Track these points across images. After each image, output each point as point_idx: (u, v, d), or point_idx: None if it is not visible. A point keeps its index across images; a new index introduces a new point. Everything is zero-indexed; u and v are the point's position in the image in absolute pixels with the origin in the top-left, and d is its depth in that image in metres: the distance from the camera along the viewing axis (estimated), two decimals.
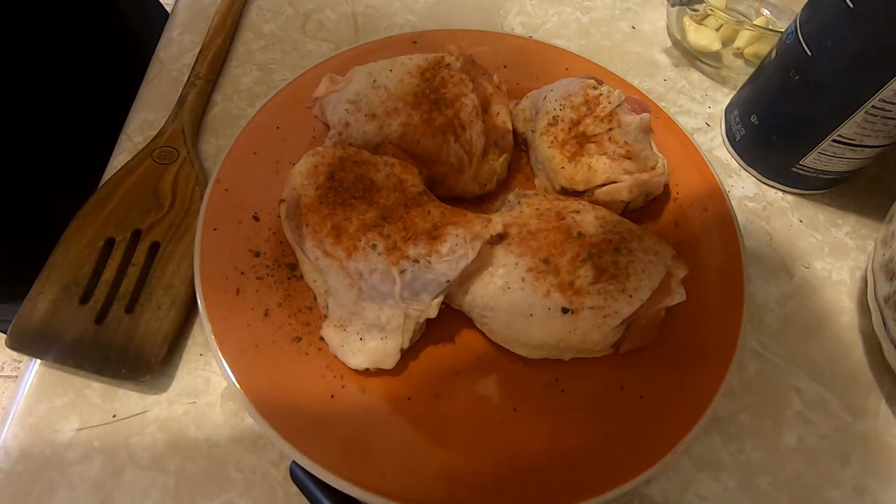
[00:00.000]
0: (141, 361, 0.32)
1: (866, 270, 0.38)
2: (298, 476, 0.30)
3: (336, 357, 0.32)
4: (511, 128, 0.40)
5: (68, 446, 0.31)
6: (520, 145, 0.43)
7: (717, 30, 0.50)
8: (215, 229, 0.35)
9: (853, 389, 0.37)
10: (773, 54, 0.41)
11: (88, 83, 0.54)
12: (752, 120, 0.43)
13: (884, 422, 0.36)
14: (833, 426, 0.35)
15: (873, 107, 0.35)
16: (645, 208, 0.40)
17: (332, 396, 0.32)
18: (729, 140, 0.46)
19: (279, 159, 0.39)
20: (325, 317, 0.33)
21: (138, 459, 0.31)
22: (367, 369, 0.32)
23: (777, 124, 0.41)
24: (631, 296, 0.32)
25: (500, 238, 0.34)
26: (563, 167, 0.37)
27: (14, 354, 1.19)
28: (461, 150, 0.38)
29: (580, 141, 0.37)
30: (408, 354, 0.33)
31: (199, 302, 0.33)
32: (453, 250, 0.32)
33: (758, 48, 0.48)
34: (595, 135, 0.37)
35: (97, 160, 0.42)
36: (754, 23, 0.50)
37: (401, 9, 0.52)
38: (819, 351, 0.38)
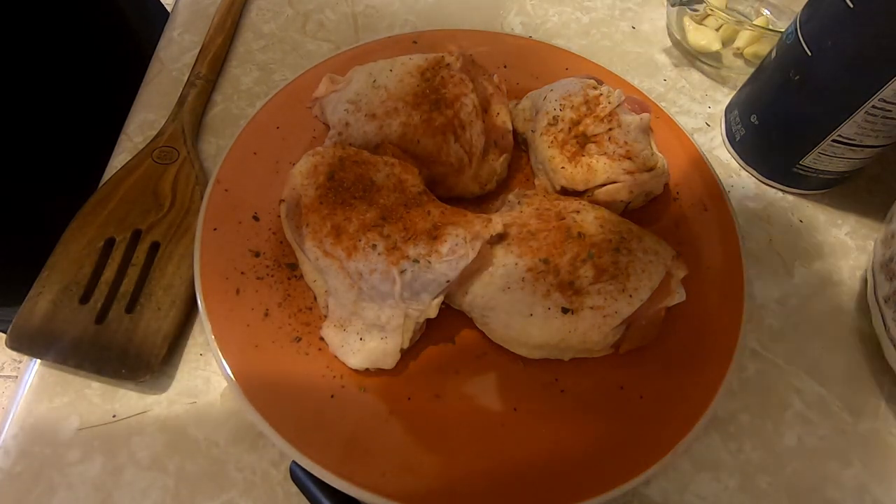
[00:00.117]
0: (141, 361, 0.32)
1: (866, 270, 0.38)
2: (298, 476, 0.30)
3: (336, 357, 0.32)
4: (511, 128, 0.40)
5: (68, 446, 0.31)
6: (520, 145, 0.43)
7: (717, 30, 0.50)
8: (215, 229, 0.35)
9: (853, 389, 0.37)
10: (773, 54, 0.41)
11: (88, 83, 0.54)
12: (752, 120, 0.43)
13: (884, 422, 0.36)
14: (833, 426, 0.35)
15: (873, 107, 0.35)
16: (645, 208, 0.40)
17: (332, 396, 0.32)
18: (729, 140, 0.46)
19: (279, 159, 0.39)
20: (325, 317, 0.33)
21: (138, 459, 0.31)
22: (367, 369, 0.32)
23: (777, 124, 0.41)
24: (631, 296, 0.32)
25: (500, 238, 0.34)
26: (563, 167, 0.37)
27: (14, 354, 1.19)
28: (461, 150, 0.38)
29: (580, 141, 0.37)
30: (408, 354, 0.33)
31: (199, 302, 0.33)
32: (453, 250, 0.32)
33: (758, 48, 0.48)
34: (595, 135, 0.37)
35: (97, 160, 0.42)
36: (754, 23, 0.50)
37: (401, 9, 0.52)
38: (819, 351, 0.38)
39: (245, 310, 0.33)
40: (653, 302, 0.33)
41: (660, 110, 0.44)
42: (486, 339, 0.34)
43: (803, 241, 0.42)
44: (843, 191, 0.45)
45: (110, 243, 0.36)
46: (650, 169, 0.38)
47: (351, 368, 0.32)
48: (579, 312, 0.32)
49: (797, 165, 0.42)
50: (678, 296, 0.33)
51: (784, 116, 0.41)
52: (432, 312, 0.32)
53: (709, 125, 0.48)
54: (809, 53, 0.37)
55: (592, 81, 0.40)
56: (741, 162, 0.45)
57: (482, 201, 0.40)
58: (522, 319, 0.32)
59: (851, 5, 0.33)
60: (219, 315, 0.32)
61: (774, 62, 0.41)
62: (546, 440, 0.31)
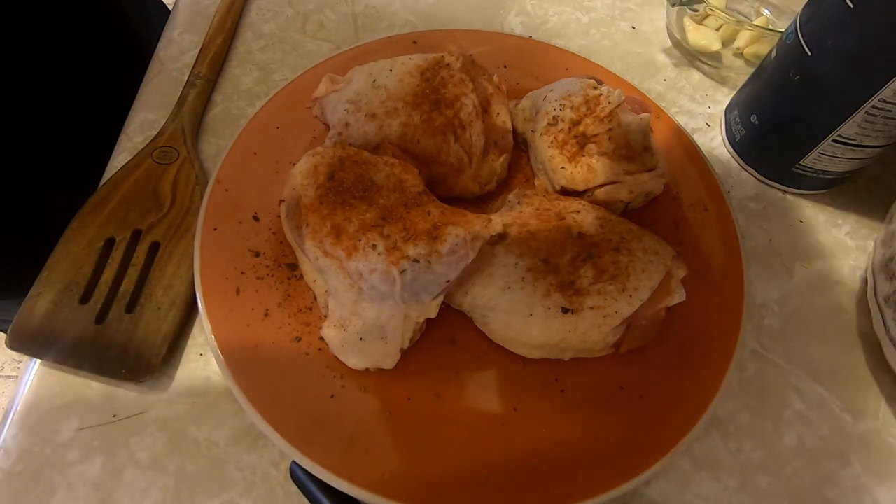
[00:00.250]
0: (141, 361, 0.32)
1: (866, 270, 0.38)
2: (298, 476, 0.30)
3: (336, 357, 0.32)
4: (511, 128, 0.40)
5: (68, 446, 0.31)
6: (520, 145, 0.43)
7: (717, 30, 0.50)
8: (215, 229, 0.35)
9: (853, 389, 0.37)
10: (773, 54, 0.41)
11: (89, 83, 0.54)
12: (752, 120, 0.43)
13: (884, 422, 0.36)
14: (833, 426, 0.35)
15: (873, 107, 0.35)
16: (645, 208, 0.40)
17: (332, 396, 0.32)
18: (729, 140, 0.46)
19: (279, 159, 0.39)
20: (325, 317, 0.33)
21: (138, 459, 0.31)
22: (366, 369, 0.32)
23: (777, 124, 0.41)
24: (631, 296, 0.32)
25: (500, 238, 0.34)
26: (563, 167, 0.37)
27: (14, 354, 1.19)
28: (461, 150, 0.38)
29: (580, 141, 0.37)
30: (408, 354, 0.33)
31: (199, 302, 0.33)
32: (453, 250, 0.32)
33: (758, 48, 0.48)
34: (595, 135, 0.37)
35: (97, 160, 0.42)
36: (754, 23, 0.50)
37: (401, 9, 0.52)
38: (819, 351, 0.38)
39: (245, 310, 0.33)
40: (653, 302, 0.33)
41: (660, 110, 0.44)
42: (486, 339, 0.34)
43: (803, 241, 0.42)
44: (843, 191, 0.45)
45: (110, 243, 0.36)
46: (650, 169, 0.38)
47: (351, 368, 0.32)
48: (579, 312, 0.32)
49: (797, 165, 0.42)
50: (678, 296, 0.33)
51: (784, 116, 0.41)
52: (432, 312, 0.32)
53: (709, 125, 0.48)
54: (809, 53, 0.37)
55: (592, 81, 0.40)
56: (741, 162, 0.45)
57: (482, 201, 0.40)
58: (522, 319, 0.32)
59: (851, 5, 0.33)
60: (219, 315, 0.32)
61: (774, 62, 0.41)
62: (546, 440, 0.31)
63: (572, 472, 0.30)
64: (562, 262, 0.33)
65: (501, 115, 0.40)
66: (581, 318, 0.32)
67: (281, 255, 0.36)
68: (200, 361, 0.34)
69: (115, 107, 0.45)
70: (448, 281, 0.32)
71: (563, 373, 0.34)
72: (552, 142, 0.38)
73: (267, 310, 0.34)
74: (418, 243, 0.32)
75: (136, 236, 0.36)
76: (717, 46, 0.49)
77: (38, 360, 0.33)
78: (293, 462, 0.30)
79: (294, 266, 0.35)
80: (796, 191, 0.44)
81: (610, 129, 0.37)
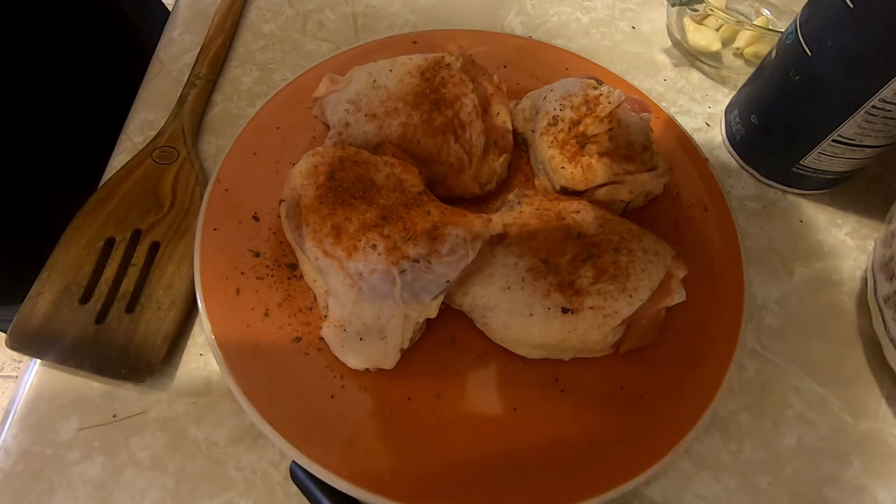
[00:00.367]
0: (141, 361, 0.32)
1: (866, 270, 0.38)
2: (298, 476, 0.30)
3: (336, 357, 0.32)
4: (511, 128, 0.40)
5: (68, 446, 0.31)
6: (520, 145, 0.43)
7: (717, 30, 0.50)
8: (215, 229, 0.35)
9: (853, 389, 0.37)
10: (773, 54, 0.41)
11: (89, 82, 0.54)
12: (752, 120, 0.43)
13: (884, 422, 0.36)
14: (833, 426, 0.35)
15: (873, 107, 0.35)
16: (645, 208, 0.40)
17: (332, 396, 0.32)
18: (729, 140, 0.46)
19: (279, 159, 0.39)
20: (325, 317, 0.33)
21: (138, 459, 0.31)
22: (367, 369, 0.32)
23: (777, 124, 0.41)
24: (631, 296, 0.32)
25: (500, 238, 0.34)
26: (563, 167, 0.37)
27: (14, 354, 1.19)
28: (461, 150, 0.38)
29: (580, 141, 0.37)
30: (408, 354, 0.33)
31: (199, 302, 0.33)
32: (453, 250, 0.32)
33: (758, 48, 0.48)
34: (595, 135, 0.37)
35: (97, 160, 0.42)
36: (754, 23, 0.50)
37: (401, 9, 0.52)
38: (819, 351, 0.38)
39: (245, 310, 0.33)
40: (653, 302, 0.33)
41: (660, 110, 0.44)
42: (486, 339, 0.34)
43: (803, 241, 0.42)
44: (843, 191, 0.45)
45: (110, 243, 0.36)
46: (650, 169, 0.38)
47: (351, 368, 0.32)
48: (579, 312, 0.32)
49: (797, 165, 0.42)
50: (678, 296, 0.33)
51: (784, 116, 0.41)
52: (432, 312, 0.32)
53: (709, 125, 0.48)
54: (809, 53, 0.37)
55: (592, 81, 0.40)
56: (741, 162, 0.45)
57: (482, 201, 0.40)
58: (522, 319, 0.32)
59: (851, 5, 0.33)
60: (219, 315, 0.32)
61: (774, 62, 0.41)
62: (546, 440, 0.31)
63: (572, 471, 0.30)
64: (562, 262, 0.33)
65: (501, 115, 0.40)
66: (581, 318, 0.32)
67: (281, 255, 0.36)
68: (200, 361, 0.34)
69: (115, 107, 0.45)
70: (448, 281, 0.32)
71: (563, 373, 0.34)
72: (552, 142, 0.38)
73: (267, 310, 0.34)
74: (418, 243, 0.32)
75: (136, 236, 0.36)
76: (717, 46, 0.49)
77: (38, 360, 0.33)
78: (293, 462, 0.30)
79: (294, 266, 0.35)
80: (796, 191, 0.44)
81: (610, 129, 0.37)
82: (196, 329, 0.35)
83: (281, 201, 0.35)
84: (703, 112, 0.49)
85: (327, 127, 0.41)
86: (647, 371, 0.34)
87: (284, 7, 0.51)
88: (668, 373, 0.34)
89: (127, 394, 0.33)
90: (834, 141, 0.38)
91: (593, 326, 0.32)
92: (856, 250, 0.42)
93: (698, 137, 0.47)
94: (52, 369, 0.33)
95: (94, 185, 0.39)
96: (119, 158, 0.41)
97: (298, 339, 0.33)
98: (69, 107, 0.53)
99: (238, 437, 0.32)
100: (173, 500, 0.30)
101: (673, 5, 0.49)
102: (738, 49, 0.49)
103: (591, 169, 0.37)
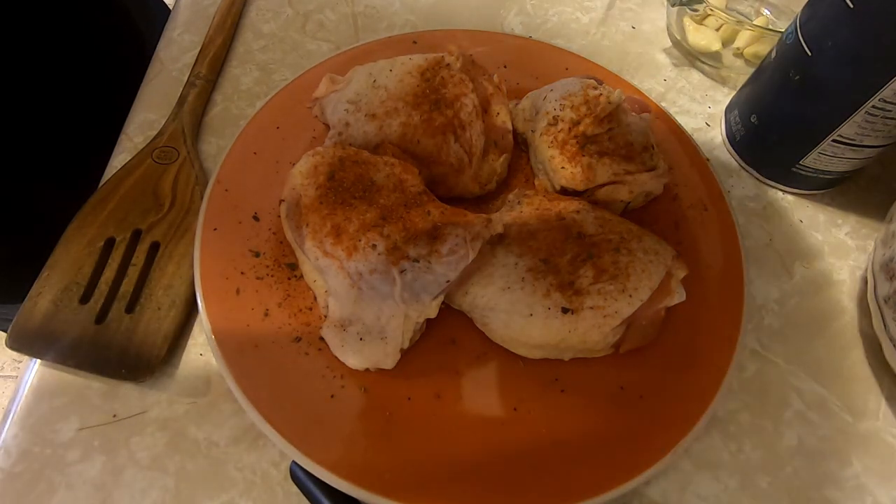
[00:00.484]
0: (141, 361, 0.32)
1: (866, 270, 0.38)
2: (298, 476, 0.30)
3: (336, 357, 0.32)
4: (511, 128, 0.40)
5: (68, 446, 0.31)
6: (520, 145, 0.43)
7: (717, 30, 0.50)
8: (215, 229, 0.35)
9: (853, 389, 0.37)
10: (773, 54, 0.41)
11: (89, 82, 0.54)
12: (752, 120, 0.43)
13: (884, 422, 0.36)
14: (833, 426, 0.35)
15: (873, 107, 0.35)
16: (645, 208, 0.40)
17: (332, 396, 0.32)
18: (729, 140, 0.46)
19: (279, 159, 0.39)
20: (325, 317, 0.33)
21: (138, 459, 0.31)
22: (367, 369, 0.32)
23: (777, 124, 0.41)
24: (631, 296, 0.32)
25: (500, 238, 0.34)
26: (563, 167, 0.37)
27: (14, 354, 1.19)
28: (461, 150, 0.38)
29: (580, 141, 0.37)
30: (408, 354, 0.33)
31: (199, 302, 0.33)
32: (453, 250, 0.32)
33: (758, 48, 0.48)
34: (595, 135, 0.37)
35: (97, 160, 0.42)
36: (754, 23, 0.50)
37: (401, 9, 0.52)
38: (819, 351, 0.38)
39: (245, 310, 0.33)
40: (653, 302, 0.33)
41: (660, 110, 0.44)
42: (486, 339, 0.34)
43: (803, 241, 0.42)
44: (843, 191, 0.45)
45: (110, 243, 0.36)
46: (650, 169, 0.38)
47: (351, 368, 0.32)
48: (579, 312, 0.32)
49: (797, 165, 0.42)
50: (678, 296, 0.33)
51: (784, 116, 0.41)
52: (432, 312, 0.32)
53: (709, 125, 0.48)
54: (809, 53, 0.37)
55: (592, 81, 0.40)
56: (741, 162, 0.45)
57: (482, 201, 0.40)
58: (522, 319, 0.32)
59: (851, 5, 0.33)
60: (219, 315, 0.32)
61: (774, 62, 0.41)
62: (546, 440, 0.31)
63: (572, 471, 0.30)
64: (562, 262, 0.33)
65: (501, 115, 0.40)
66: (581, 318, 0.32)
67: (281, 255, 0.36)
68: (200, 361, 0.34)
69: (115, 107, 0.45)
70: (448, 281, 0.32)
71: (563, 373, 0.34)
72: (552, 142, 0.38)
73: (267, 310, 0.34)
74: (418, 243, 0.32)
75: (136, 236, 0.36)
76: (717, 46, 0.49)
77: (38, 360, 0.33)
78: (293, 462, 0.30)
79: (294, 266, 0.35)
80: (796, 191, 0.44)
81: (610, 129, 0.37)
82: (196, 329, 0.35)
83: (281, 201, 0.35)
84: (703, 112, 0.49)
85: (327, 127, 0.41)
86: (647, 371, 0.34)
87: (284, 7, 0.51)
88: (668, 373, 0.34)
89: (127, 394, 0.33)
90: (834, 141, 0.38)
91: (593, 326, 0.32)
92: (856, 250, 0.42)
93: (698, 137, 0.47)
94: (52, 369, 0.33)
95: (94, 185, 0.39)
96: (119, 158, 0.41)
97: (298, 339, 0.33)
98: (69, 106, 0.53)
99: (238, 437, 0.32)
100: (173, 500, 0.30)
101: (673, 5, 0.49)
102: (738, 49, 0.49)
103: (591, 169, 0.37)
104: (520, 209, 0.36)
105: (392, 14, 0.52)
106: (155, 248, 0.36)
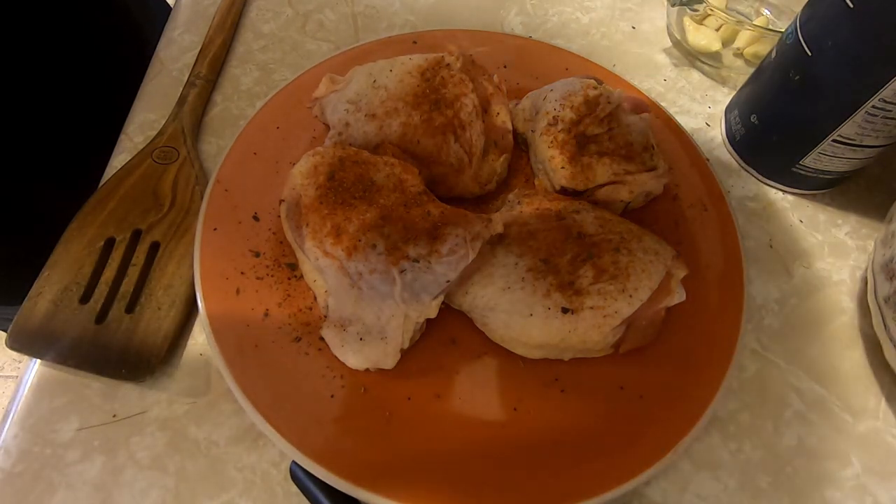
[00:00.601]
0: (141, 361, 0.32)
1: (866, 270, 0.38)
2: (298, 476, 0.30)
3: (336, 357, 0.32)
4: (511, 128, 0.40)
5: (68, 446, 0.31)
6: (520, 145, 0.43)
7: (717, 30, 0.50)
8: (215, 229, 0.35)
9: (853, 389, 0.37)
10: (773, 54, 0.41)
11: (90, 82, 0.54)
12: (752, 120, 0.43)
13: (884, 422, 0.36)
14: (833, 426, 0.35)
15: (873, 107, 0.35)
16: (645, 208, 0.40)
17: (332, 396, 0.32)
18: (729, 140, 0.46)
19: (279, 159, 0.39)
20: (325, 317, 0.33)
21: (138, 459, 0.31)
22: (367, 369, 0.32)
23: (777, 124, 0.41)
24: (631, 296, 0.32)
25: (500, 238, 0.34)
26: (563, 167, 0.37)
27: (14, 354, 1.20)
28: (461, 150, 0.38)
29: (580, 141, 0.37)
30: (408, 354, 0.33)
31: (199, 302, 0.33)
32: (453, 250, 0.32)
33: (758, 48, 0.48)
34: (595, 135, 0.37)
35: (97, 160, 0.42)
36: (754, 23, 0.50)
37: (401, 9, 0.52)
38: (819, 351, 0.38)
39: (245, 310, 0.33)
40: (653, 302, 0.33)
41: (660, 110, 0.44)
42: (486, 339, 0.34)
43: (803, 241, 0.42)
44: (843, 191, 0.45)
45: (110, 243, 0.36)
46: (650, 169, 0.38)
47: (351, 368, 0.32)
48: (579, 312, 0.32)
49: (797, 165, 0.42)
50: (678, 296, 0.33)
51: (784, 116, 0.41)
52: (432, 312, 0.32)
53: (709, 125, 0.48)
54: (809, 53, 0.37)
55: (592, 81, 0.40)
56: (741, 162, 0.45)
57: (482, 201, 0.40)
58: (522, 319, 0.32)
59: (851, 5, 0.33)
60: (219, 315, 0.32)
61: (774, 62, 0.41)
62: (546, 440, 0.31)
63: (572, 471, 0.30)
64: (562, 262, 0.33)
65: (501, 115, 0.40)
66: (581, 318, 0.32)
67: (281, 255, 0.36)
68: (200, 361, 0.34)
69: (115, 107, 0.45)
70: (448, 281, 0.32)
71: (563, 373, 0.34)
72: (552, 142, 0.38)
73: (267, 310, 0.34)
74: (418, 243, 0.32)
75: (136, 236, 0.36)
76: (717, 46, 0.49)
77: (38, 360, 0.33)
78: (293, 462, 0.30)
79: (294, 266, 0.35)
80: (796, 191, 0.44)
81: (610, 129, 0.37)
82: (196, 329, 0.35)
83: (281, 201, 0.35)
84: (703, 112, 0.49)
85: (327, 127, 0.41)
86: (647, 371, 0.34)
87: (284, 7, 0.51)
88: (668, 373, 0.34)
89: (127, 394, 0.33)
90: (834, 141, 0.38)
91: (593, 326, 0.32)
92: (856, 250, 0.42)
93: (698, 137, 0.47)
94: (52, 369, 0.33)
95: (94, 185, 0.39)
96: (119, 158, 0.41)
97: (298, 339, 0.33)
98: (70, 106, 0.53)
99: (238, 437, 0.32)
100: (173, 500, 0.30)
101: (673, 5, 0.49)
102: (738, 49, 0.49)
103: (591, 169, 0.37)
104: (520, 209, 0.36)
105: (392, 14, 0.52)
106: (155, 248, 0.36)
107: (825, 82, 0.37)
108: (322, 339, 0.33)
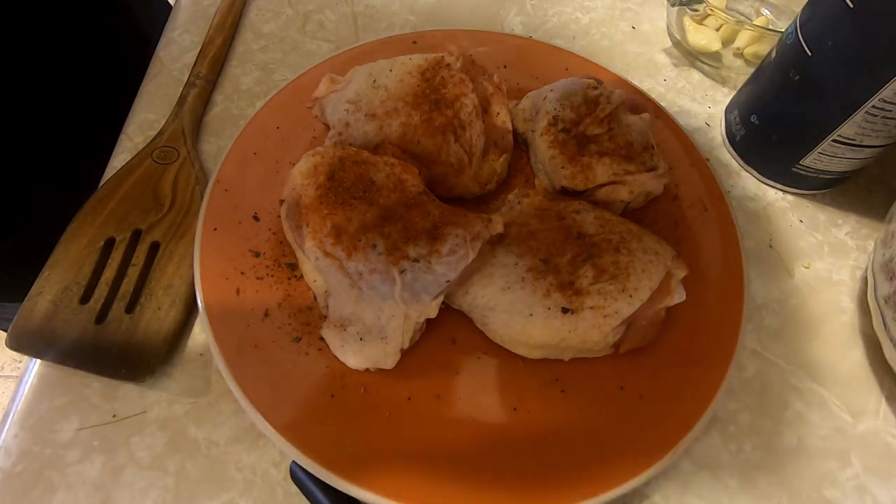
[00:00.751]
0: (141, 361, 0.32)
1: (866, 270, 0.38)
2: (298, 476, 0.30)
3: (336, 357, 0.32)
4: (511, 128, 0.40)
5: (68, 446, 0.31)
6: (520, 145, 0.43)
7: (717, 30, 0.50)
8: (215, 229, 0.35)
9: (853, 389, 0.37)
10: (773, 54, 0.41)
11: (90, 82, 0.54)
12: (752, 120, 0.43)
13: (884, 422, 0.36)
14: (833, 426, 0.35)
15: (873, 107, 0.35)
16: (645, 208, 0.40)
17: (332, 396, 0.32)
18: (729, 140, 0.46)
19: (279, 159, 0.39)
20: (325, 317, 0.33)
21: (138, 459, 0.31)
22: (367, 369, 0.32)
23: (777, 124, 0.41)
24: (631, 296, 0.32)
25: (500, 238, 0.34)
26: (563, 167, 0.37)
27: (14, 354, 1.20)
28: (461, 150, 0.38)
29: (580, 141, 0.37)
30: (408, 354, 0.33)
31: (199, 302, 0.33)
32: (453, 250, 0.32)
33: (758, 48, 0.48)
34: (595, 135, 0.38)
35: (97, 160, 0.42)
36: (754, 23, 0.50)
37: (401, 9, 0.52)
38: (819, 351, 0.38)
39: (245, 310, 0.33)
40: (653, 302, 0.33)
41: (660, 110, 0.44)
42: (486, 339, 0.34)
43: (803, 241, 0.42)
44: (843, 191, 0.45)
45: (110, 243, 0.36)
46: (650, 169, 0.38)
47: (351, 368, 0.32)
48: (579, 312, 0.32)
49: (797, 165, 0.42)
50: (678, 296, 0.33)
51: (784, 116, 0.41)
52: (432, 312, 0.32)
53: (709, 125, 0.48)
54: (809, 53, 0.37)
55: (592, 81, 0.40)
56: (741, 162, 0.45)
57: (482, 201, 0.40)
58: (522, 319, 0.32)
59: (851, 5, 0.33)
60: (219, 315, 0.32)
61: (774, 62, 0.41)
62: (546, 440, 0.31)
63: (572, 472, 0.30)
64: (562, 262, 0.33)
65: (501, 115, 0.40)
66: (581, 318, 0.32)
67: (281, 255, 0.36)
68: (200, 361, 0.34)
69: (115, 107, 0.45)
70: (448, 281, 0.32)
71: (563, 373, 0.34)
72: (552, 142, 0.38)
73: (267, 310, 0.34)
74: (418, 243, 0.32)
75: (136, 236, 0.36)
76: (717, 46, 0.49)
77: (38, 360, 0.33)
78: (293, 462, 0.30)
79: (294, 266, 0.35)
80: (796, 191, 0.44)
81: (610, 129, 0.37)
82: (196, 329, 0.35)
83: (281, 201, 0.35)
84: (703, 112, 0.49)
85: (327, 127, 0.41)
86: (647, 371, 0.34)
87: (284, 7, 0.51)
88: (668, 373, 0.34)
89: (127, 394, 0.33)
90: (834, 141, 0.38)
91: (593, 326, 0.32)
92: (856, 250, 0.42)
93: (698, 137, 0.47)
94: (52, 369, 0.33)
95: (94, 185, 0.39)
96: (119, 158, 0.41)
97: (298, 339, 0.33)
98: (70, 106, 0.53)
99: (238, 437, 0.32)
100: (173, 500, 0.30)
101: (673, 5, 0.49)
102: (738, 49, 0.49)
103: (591, 169, 0.37)
104: (520, 209, 0.36)
105: (392, 14, 0.52)
106: (155, 248, 0.36)
107: (825, 82, 0.37)
108: (322, 339, 0.33)
